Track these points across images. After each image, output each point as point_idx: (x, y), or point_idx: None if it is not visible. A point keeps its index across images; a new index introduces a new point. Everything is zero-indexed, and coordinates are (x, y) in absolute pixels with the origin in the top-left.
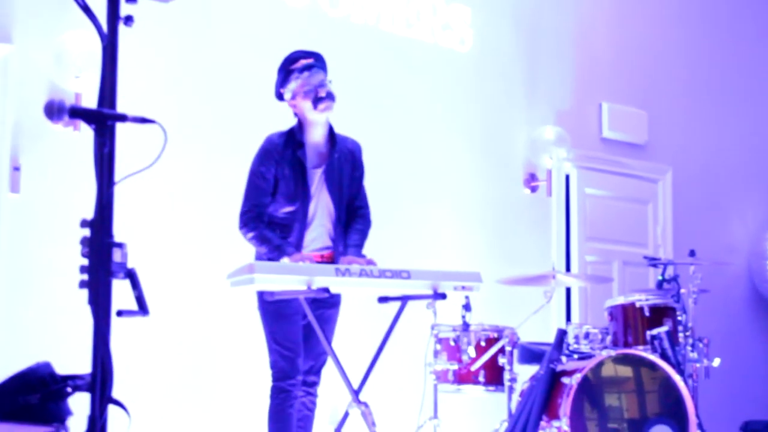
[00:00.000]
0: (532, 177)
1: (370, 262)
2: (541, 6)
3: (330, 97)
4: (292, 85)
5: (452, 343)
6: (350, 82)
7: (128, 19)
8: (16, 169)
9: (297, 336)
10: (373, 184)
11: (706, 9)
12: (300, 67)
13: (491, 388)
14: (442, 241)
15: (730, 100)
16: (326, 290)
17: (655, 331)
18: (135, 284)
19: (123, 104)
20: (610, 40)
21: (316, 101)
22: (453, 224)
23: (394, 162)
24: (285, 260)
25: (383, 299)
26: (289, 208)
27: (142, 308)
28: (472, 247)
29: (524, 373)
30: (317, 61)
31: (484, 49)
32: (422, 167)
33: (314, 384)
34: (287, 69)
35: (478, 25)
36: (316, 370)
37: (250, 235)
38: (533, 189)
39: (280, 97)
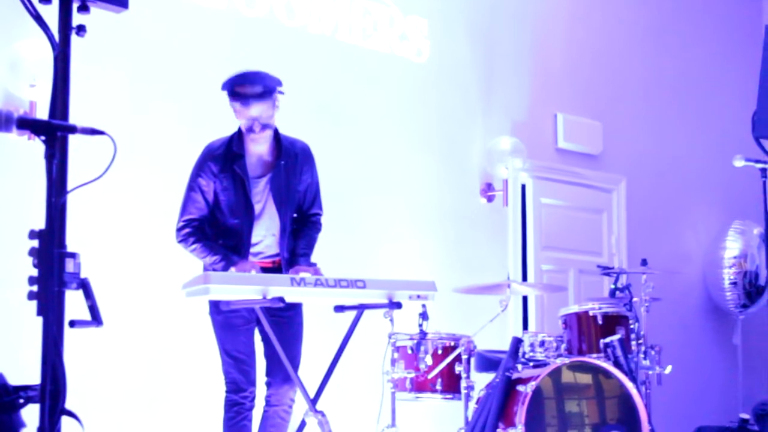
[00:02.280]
0: (489, 187)
1: (317, 271)
2: (497, 18)
3: (264, 128)
4: (235, 105)
5: (410, 352)
6: (307, 92)
7: (80, 29)
8: None
9: (249, 347)
10: (329, 194)
11: (660, 22)
12: (242, 96)
13: (448, 395)
14: (400, 250)
15: (682, 110)
16: (281, 299)
17: (608, 339)
18: (88, 294)
19: (77, 114)
20: (565, 52)
21: (249, 131)
22: (411, 233)
23: (351, 171)
24: (232, 270)
25: (339, 308)
26: (232, 221)
27: (96, 318)
28: (430, 257)
29: (481, 380)
30: (264, 90)
31: (441, 60)
32: (379, 177)
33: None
34: (233, 90)
35: (435, 36)
36: (281, 381)
37: (193, 247)
38: (490, 199)
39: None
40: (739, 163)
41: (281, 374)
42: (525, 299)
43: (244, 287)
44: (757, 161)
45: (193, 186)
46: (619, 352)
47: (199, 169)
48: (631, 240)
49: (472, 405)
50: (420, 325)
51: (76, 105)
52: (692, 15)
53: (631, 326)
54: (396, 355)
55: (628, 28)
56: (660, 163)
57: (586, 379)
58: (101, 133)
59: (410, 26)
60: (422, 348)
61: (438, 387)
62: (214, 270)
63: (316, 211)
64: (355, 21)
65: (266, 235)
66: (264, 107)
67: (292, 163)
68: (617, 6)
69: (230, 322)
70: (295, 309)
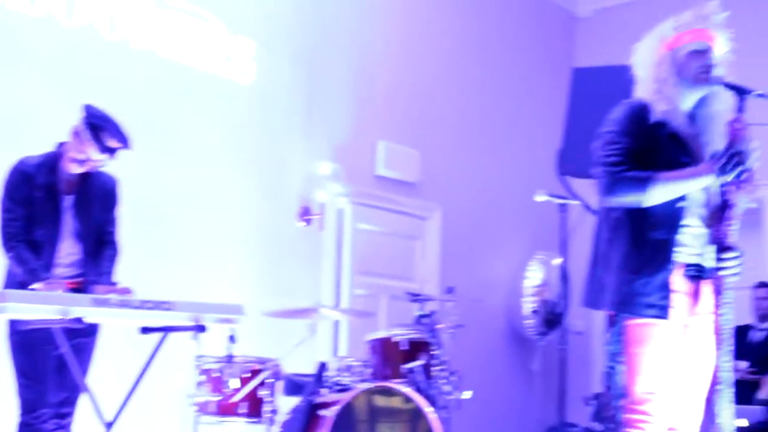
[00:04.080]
0: (306, 210)
1: (125, 291)
2: (323, 44)
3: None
4: (84, 136)
5: (215, 375)
6: (127, 109)
7: None
8: None
9: (46, 367)
10: (144, 214)
11: (476, 58)
12: (105, 146)
13: (253, 420)
14: (215, 272)
15: (494, 144)
16: (79, 320)
17: (410, 365)
18: None
19: None
20: (388, 80)
21: (80, 163)
22: (227, 256)
23: (167, 191)
24: (38, 285)
25: (145, 330)
26: (40, 230)
27: None
28: (246, 279)
29: (289, 404)
30: (122, 149)
31: (266, 82)
32: (197, 197)
33: (68, 415)
34: (99, 135)
35: (262, 58)
36: (71, 401)
37: (9, 254)
38: (307, 222)
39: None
40: (540, 197)
41: (60, 397)
42: (337, 324)
43: (43, 306)
44: (558, 197)
45: (7, 195)
46: (420, 378)
47: (13, 181)
48: (443, 268)
49: (276, 429)
50: (228, 348)
51: None
52: (506, 53)
53: (434, 352)
54: (203, 378)
55: (447, 61)
56: (473, 193)
57: (388, 403)
58: None
59: (237, 47)
60: (228, 371)
61: (242, 411)
62: (21, 281)
63: (110, 230)
64: (180, 38)
65: (67, 249)
66: (109, 161)
67: (97, 190)
68: (439, 39)
69: (30, 342)
70: (92, 336)
